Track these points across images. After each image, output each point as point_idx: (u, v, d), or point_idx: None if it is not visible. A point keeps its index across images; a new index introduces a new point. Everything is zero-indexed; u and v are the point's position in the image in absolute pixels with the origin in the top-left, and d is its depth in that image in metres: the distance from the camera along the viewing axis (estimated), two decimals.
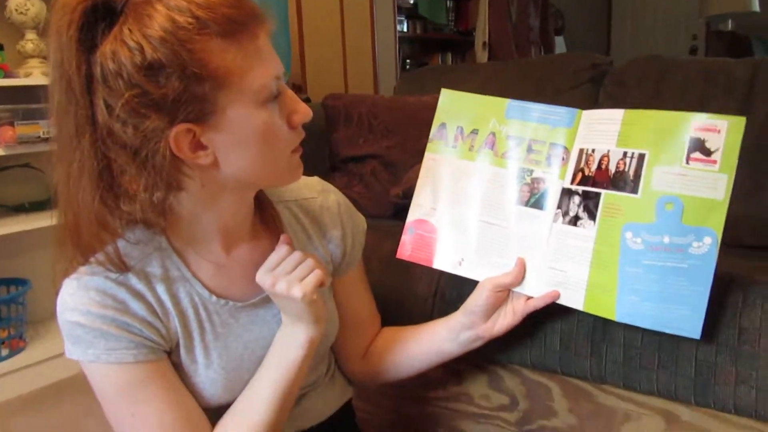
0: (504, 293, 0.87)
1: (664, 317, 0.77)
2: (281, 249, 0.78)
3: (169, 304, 0.74)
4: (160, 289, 0.74)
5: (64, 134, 0.64)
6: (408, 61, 4.06)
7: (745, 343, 0.81)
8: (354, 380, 1.01)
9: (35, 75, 1.86)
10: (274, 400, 0.77)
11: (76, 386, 1.86)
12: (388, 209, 1.55)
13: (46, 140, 1.79)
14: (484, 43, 3.76)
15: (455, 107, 0.94)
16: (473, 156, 0.92)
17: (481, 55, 3.77)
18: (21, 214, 1.94)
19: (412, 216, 0.95)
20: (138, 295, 0.72)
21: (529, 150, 0.89)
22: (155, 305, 0.74)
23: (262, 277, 0.76)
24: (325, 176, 0.97)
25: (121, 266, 0.72)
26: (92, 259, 0.72)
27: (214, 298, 0.78)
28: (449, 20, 4.25)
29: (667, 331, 0.78)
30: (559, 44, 4.85)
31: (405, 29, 3.97)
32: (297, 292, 0.73)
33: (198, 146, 0.66)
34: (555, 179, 0.86)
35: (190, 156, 0.66)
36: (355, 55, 3.39)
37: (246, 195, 0.78)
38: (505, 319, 0.87)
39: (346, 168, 1.67)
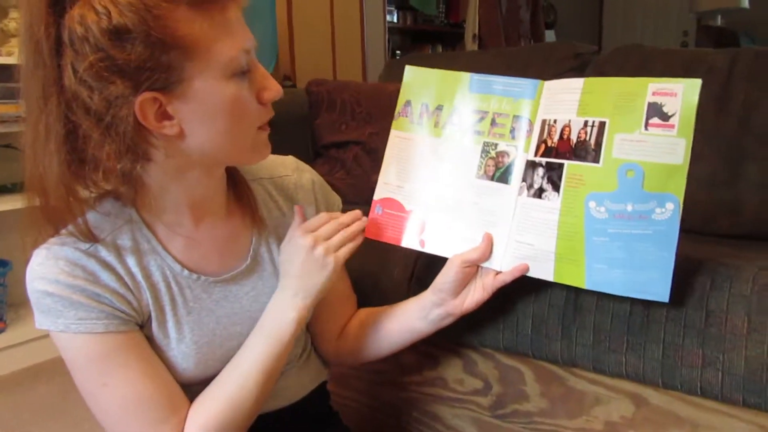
0: (472, 269, 0.87)
1: (632, 282, 0.78)
2: (323, 215, 0.82)
3: (140, 276, 0.74)
4: (131, 261, 0.74)
5: (31, 97, 0.64)
6: (398, 52, 4.06)
7: (712, 325, 0.81)
8: (329, 361, 1.01)
9: (17, 54, 1.84)
10: (258, 375, 0.77)
11: (55, 368, 1.86)
12: (370, 195, 1.54)
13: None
14: (474, 35, 3.76)
15: (420, 84, 0.94)
16: (439, 132, 0.92)
17: (471, 47, 3.76)
18: (3, 195, 1.93)
19: (378, 194, 0.94)
20: (108, 267, 0.72)
21: (493, 123, 0.88)
22: (126, 277, 0.73)
23: (303, 237, 0.79)
24: (308, 162, 0.97)
25: (91, 237, 0.71)
26: (62, 231, 0.71)
27: (186, 272, 0.77)
28: (440, 12, 4.24)
29: (637, 296, 0.78)
30: (550, 38, 4.86)
31: (395, 20, 3.96)
32: (330, 261, 0.78)
33: (164, 116, 0.65)
34: (520, 152, 0.86)
35: (155, 125, 0.65)
36: (344, 46, 3.37)
37: (214, 171, 0.77)
38: (475, 295, 0.87)
39: (329, 154, 1.67)
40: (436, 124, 0.92)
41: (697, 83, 0.76)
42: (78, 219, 0.70)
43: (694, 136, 1.38)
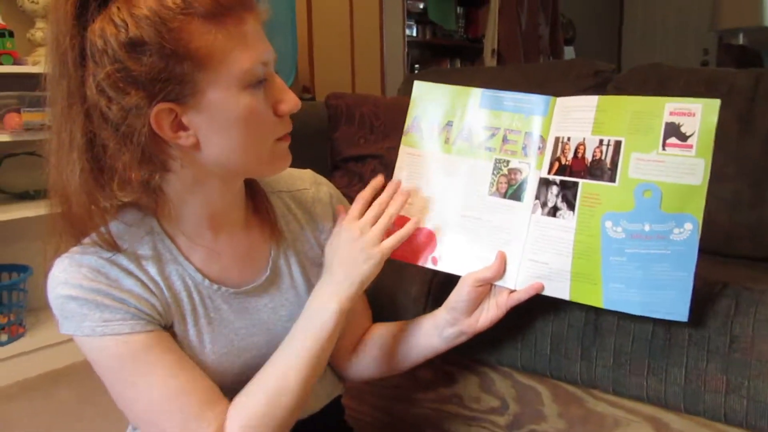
0: (486, 288, 0.86)
1: (650, 302, 0.77)
2: (362, 198, 0.84)
3: (162, 285, 0.75)
4: (153, 270, 0.74)
5: (56, 106, 0.66)
6: (417, 66, 4.07)
7: (737, 351, 0.80)
8: (343, 375, 1.01)
9: (44, 63, 1.88)
10: (300, 369, 0.75)
11: (74, 373, 1.88)
12: None
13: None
14: (494, 51, 3.77)
15: (429, 99, 0.93)
16: (449, 148, 0.91)
17: (490, 62, 3.77)
18: (25, 201, 1.96)
19: None
20: (130, 274, 0.73)
21: (505, 140, 0.88)
22: (149, 283, 0.74)
23: (348, 227, 0.81)
24: (325, 175, 0.97)
25: (114, 246, 0.72)
26: (84, 240, 0.72)
27: (207, 282, 0.78)
28: (459, 26, 4.25)
29: (655, 315, 0.77)
30: (569, 54, 4.86)
31: (414, 34, 3.98)
32: (376, 253, 0.79)
33: (179, 127, 0.67)
34: (532, 169, 0.86)
35: (171, 136, 0.67)
36: (364, 59, 3.40)
37: (233, 183, 0.78)
38: (489, 314, 0.86)
39: (347, 167, 1.67)
40: (446, 140, 0.91)
41: (716, 103, 0.75)
42: (100, 228, 0.71)
43: (717, 156, 1.36)
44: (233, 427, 0.72)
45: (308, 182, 0.92)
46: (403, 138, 0.93)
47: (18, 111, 1.74)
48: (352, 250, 0.80)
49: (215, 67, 0.65)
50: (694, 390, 0.83)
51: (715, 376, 0.81)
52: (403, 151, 0.93)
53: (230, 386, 0.78)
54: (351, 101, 1.75)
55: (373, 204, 0.84)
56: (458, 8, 4.20)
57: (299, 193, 0.90)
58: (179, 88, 0.64)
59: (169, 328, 0.76)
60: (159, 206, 0.74)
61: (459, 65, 4.34)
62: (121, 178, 0.67)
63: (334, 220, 0.91)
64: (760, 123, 1.31)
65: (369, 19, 3.40)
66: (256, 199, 0.85)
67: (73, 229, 0.71)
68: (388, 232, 0.83)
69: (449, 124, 0.91)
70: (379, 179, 0.87)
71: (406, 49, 3.69)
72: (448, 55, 4.29)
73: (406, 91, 2.05)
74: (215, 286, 0.79)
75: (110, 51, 0.62)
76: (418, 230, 0.91)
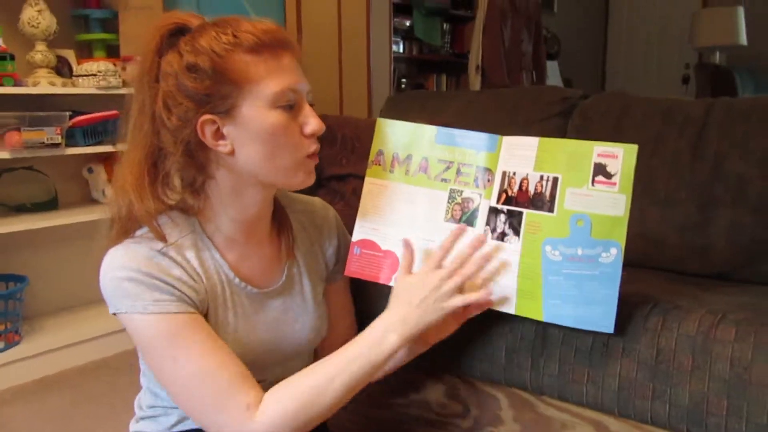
0: None
1: (583, 317, 0.90)
2: (447, 244, 0.93)
3: (202, 276, 0.87)
4: (195, 263, 0.87)
5: (131, 119, 0.84)
6: (404, 80, 4.18)
7: (662, 362, 0.91)
8: None
9: (42, 84, 1.97)
10: (345, 377, 0.83)
11: (67, 380, 1.96)
12: None
13: (49, 146, 1.90)
14: (477, 66, 3.87)
15: (391, 135, 1.03)
16: (409, 179, 1.01)
17: (474, 78, 3.88)
18: (22, 214, 2.05)
19: (356, 236, 1.02)
20: (177, 263, 0.85)
21: (459, 173, 0.99)
22: (191, 272, 0.86)
23: (432, 273, 0.88)
24: (310, 192, 1.08)
25: (163, 238, 0.85)
26: (136, 233, 0.85)
27: (237, 279, 0.91)
28: (445, 42, 4.37)
29: (587, 327, 0.90)
30: (554, 69, 4.98)
31: (401, 50, 4.09)
32: (446, 306, 0.87)
33: (219, 136, 0.82)
34: (482, 199, 0.97)
35: (212, 143, 0.83)
36: (351, 75, 3.50)
37: (266, 193, 0.90)
38: (448, 326, 0.97)
39: (330, 185, 1.77)
40: (406, 172, 1.01)
41: (634, 148, 0.88)
42: (153, 222, 0.85)
43: (670, 182, 1.48)
44: (270, 401, 0.82)
45: (319, 206, 1.06)
46: (368, 170, 1.03)
47: (18, 130, 1.82)
48: (428, 298, 0.87)
49: (250, 89, 0.81)
50: (626, 396, 0.94)
51: (644, 384, 0.92)
52: (368, 181, 1.03)
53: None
54: (334, 122, 1.85)
55: (455, 258, 0.91)
56: (444, 25, 4.31)
57: (311, 215, 1.04)
58: (221, 103, 0.80)
59: (204, 315, 0.87)
60: (201, 209, 0.89)
61: (445, 80, 4.45)
62: (173, 179, 0.85)
63: (338, 240, 1.05)
64: (709, 150, 1.42)
65: (356, 36, 3.51)
66: (278, 214, 0.98)
67: (130, 222, 0.85)
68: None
69: (409, 157, 1.02)
70: (460, 227, 0.95)
71: (393, 65, 3.80)
72: (434, 70, 4.41)
73: (388, 112, 2.15)
74: (243, 284, 0.91)
75: (174, 72, 0.80)
76: (384, 252, 1.01)
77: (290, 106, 0.83)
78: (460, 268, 0.90)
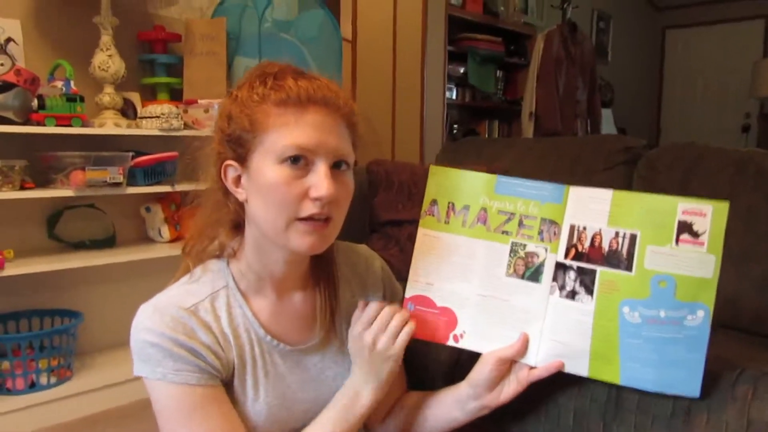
0: (507, 365, 0.92)
1: (665, 380, 0.84)
2: (373, 305, 0.90)
3: (230, 336, 0.85)
4: (224, 322, 0.85)
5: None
6: (456, 126, 4.18)
7: None
8: None
9: (108, 125, 2.03)
10: None
11: (110, 420, 1.95)
12: None
13: (112, 185, 1.94)
14: (531, 113, 3.85)
15: (446, 184, 0.97)
16: (466, 231, 0.95)
17: (527, 125, 3.85)
18: (81, 251, 2.08)
19: (409, 292, 0.97)
20: (205, 325, 0.83)
21: (521, 225, 0.93)
22: (218, 336, 0.84)
23: (361, 335, 0.89)
24: (364, 237, 1.05)
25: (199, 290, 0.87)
26: (171, 288, 0.86)
27: (268, 337, 0.88)
28: (497, 89, 4.37)
29: (669, 392, 0.84)
30: (608, 116, 4.91)
31: (454, 96, 4.10)
32: (393, 354, 0.88)
33: (238, 182, 0.84)
34: (548, 253, 0.92)
35: (233, 189, 0.84)
36: (404, 121, 3.52)
37: (287, 253, 0.86)
38: (510, 388, 0.92)
39: (384, 231, 1.75)
40: (463, 223, 0.96)
41: (725, 206, 0.82)
42: (206, 261, 0.90)
43: (747, 237, 1.40)
44: None
45: (364, 256, 1.01)
46: (421, 221, 0.98)
47: (83, 169, 1.87)
48: (372, 357, 0.89)
49: (262, 139, 0.80)
50: None
51: None
52: (422, 233, 0.97)
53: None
54: (390, 168, 1.84)
55: (386, 309, 0.90)
56: (498, 72, 4.32)
57: (355, 265, 0.99)
58: (241, 150, 0.81)
59: (229, 378, 0.85)
60: (236, 256, 0.89)
61: (497, 126, 4.43)
62: (216, 217, 0.88)
63: (384, 290, 1.00)
64: None
65: (411, 83, 3.54)
66: (322, 264, 0.94)
67: (193, 252, 0.90)
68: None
69: (465, 207, 0.96)
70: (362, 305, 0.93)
71: (446, 111, 3.81)
72: (486, 117, 4.39)
73: (443, 159, 2.14)
74: (275, 342, 0.88)
75: (220, 121, 0.85)
76: (439, 309, 0.96)
77: (296, 162, 0.79)
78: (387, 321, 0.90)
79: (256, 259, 0.87)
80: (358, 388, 0.90)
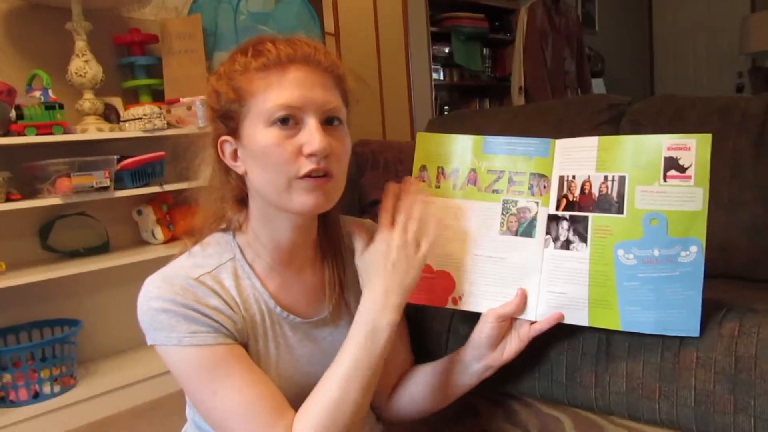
0: (507, 322, 0.91)
1: (664, 321, 0.83)
2: (386, 207, 0.86)
3: (241, 306, 0.84)
4: (234, 292, 0.84)
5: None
6: (446, 107, 4.16)
7: (742, 371, 0.82)
8: (382, 416, 1.04)
9: (90, 131, 2.02)
10: (356, 381, 0.79)
11: (119, 423, 1.96)
12: None
13: (99, 190, 1.93)
14: (521, 88, 3.83)
15: (434, 149, 0.97)
16: (457, 194, 0.95)
17: (518, 100, 3.83)
18: (76, 259, 2.08)
19: None
20: (215, 292, 0.82)
21: (511, 182, 0.93)
22: (230, 302, 0.83)
23: (389, 236, 0.83)
24: (353, 215, 1.04)
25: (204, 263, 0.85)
26: (178, 259, 0.85)
27: (278, 308, 0.87)
28: (485, 67, 4.35)
29: (669, 333, 0.84)
30: (599, 87, 4.89)
31: (442, 77, 4.08)
32: (420, 257, 0.83)
33: (235, 157, 0.83)
34: (540, 207, 0.91)
35: (232, 164, 0.83)
36: (393, 104, 3.51)
37: (296, 218, 0.84)
38: (512, 346, 0.91)
39: (373, 210, 1.73)
40: (453, 186, 0.95)
41: (708, 138, 0.81)
42: (211, 233, 0.89)
43: (734, 183, 1.39)
44: (300, 426, 0.78)
45: (370, 229, 0.97)
46: None
47: (68, 176, 1.87)
48: (399, 261, 0.82)
49: (249, 106, 0.79)
50: (703, 411, 0.84)
51: (723, 397, 0.83)
52: None
53: (291, 405, 0.84)
54: (376, 148, 1.83)
55: (401, 213, 0.85)
56: (484, 50, 4.30)
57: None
58: (232, 123, 0.81)
59: (244, 345, 0.84)
60: (242, 229, 0.88)
61: (488, 104, 4.42)
62: (220, 194, 0.87)
63: None
64: None
65: (396, 66, 3.53)
66: (326, 238, 0.92)
67: (204, 231, 0.89)
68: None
69: (455, 170, 0.96)
70: (392, 186, 0.88)
71: (434, 92, 3.79)
72: (477, 96, 4.38)
73: (431, 132, 2.12)
74: (285, 314, 0.87)
75: (209, 100, 0.85)
76: (436, 273, 0.95)
77: (285, 122, 0.78)
78: (411, 217, 0.84)
79: (262, 230, 0.85)
80: (378, 313, 0.81)
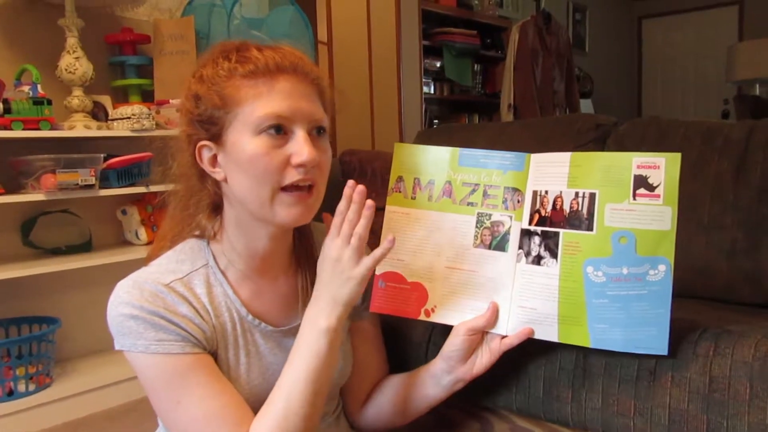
0: (478, 336, 0.91)
1: (633, 339, 0.83)
2: (339, 210, 0.84)
3: (211, 313, 0.83)
4: (205, 300, 0.83)
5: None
6: (436, 121, 4.19)
7: (716, 391, 0.83)
8: (355, 425, 1.04)
9: (78, 128, 2.01)
10: (302, 392, 0.79)
11: (93, 424, 1.93)
12: None
13: (84, 187, 1.92)
14: (510, 105, 3.87)
15: (410, 160, 0.96)
16: (433, 205, 0.95)
17: (507, 116, 3.87)
18: (57, 256, 2.06)
19: (380, 269, 0.95)
20: (185, 299, 0.81)
21: (485, 195, 0.93)
22: (200, 310, 0.82)
23: (330, 244, 0.82)
24: None
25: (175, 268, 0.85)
26: (149, 266, 0.84)
27: (250, 316, 0.86)
28: (476, 83, 4.38)
29: (638, 351, 0.83)
30: (587, 107, 4.95)
31: (432, 91, 4.11)
32: (357, 273, 0.80)
33: (215, 162, 0.82)
34: (513, 221, 0.91)
35: (210, 170, 0.82)
36: (383, 117, 3.53)
37: (272, 228, 0.84)
38: (483, 360, 0.91)
39: None
40: (429, 198, 0.95)
41: (677, 157, 0.83)
42: (186, 237, 0.88)
43: (714, 206, 1.41)
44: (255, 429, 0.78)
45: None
46: (388, 198, 0.96)
47: (53, 172, 1.86)
48: (333, 273, 0.81)
49: (236, 114, 0.78)
50: (677, 429, 0.85)
51: (696, 416, 0.84)
52: (389, 210, 0.96)
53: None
54: (363, 157, 1.83)
55: (344, 224, 0.83)
56: (475, 66, 4.34)
57: None
58: (212, 127, 0.80)
59: (212, 354, 0.83)
60: (216, 237, 0.87)
61: (477, 120, 4.45)
62: (193, 200, 0.86)
63: None
64: (753, 173, 1.35)
65: (387, 78, 3.55)
66: (300, 247, 0.92)
67: (169, 236, 0.89)
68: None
69: (431, 182, 0.95)
70: (348, 189, 0.85)
71: (424, 105, 3.82)
72: (467, 111, 4.41)
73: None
74: (256, 321, 0.87)
75: (186, 103, 0.83)
76: (408, 285, 0.95)
77: (279, 131, 0.78)
78: (354, 228, 0.82)
79: (238, 239, 0.85)
80: (317, 312, 0.82)
